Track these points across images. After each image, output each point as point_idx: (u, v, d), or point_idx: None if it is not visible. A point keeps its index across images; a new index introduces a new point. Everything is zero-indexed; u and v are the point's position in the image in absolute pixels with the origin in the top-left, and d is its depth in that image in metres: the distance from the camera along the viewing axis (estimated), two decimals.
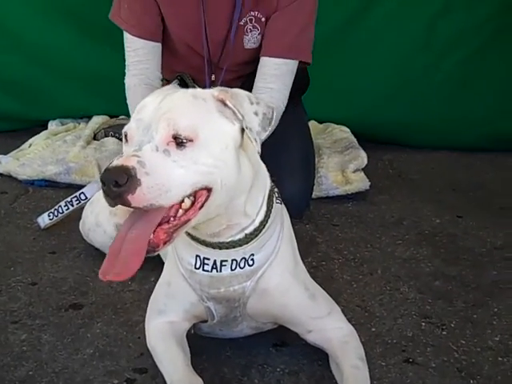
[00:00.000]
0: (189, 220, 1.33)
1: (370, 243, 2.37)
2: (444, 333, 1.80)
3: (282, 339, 1.74)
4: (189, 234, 1.49)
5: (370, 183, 2.80)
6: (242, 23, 2.36)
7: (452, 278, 2.11)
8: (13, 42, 3.38)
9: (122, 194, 1.22)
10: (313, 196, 2.65)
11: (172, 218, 1.32)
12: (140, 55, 2.39)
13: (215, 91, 1.39)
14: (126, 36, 2.40)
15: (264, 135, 1.38)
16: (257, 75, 2.36)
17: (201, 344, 1.70)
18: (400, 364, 1.66)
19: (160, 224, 1.30)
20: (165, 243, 1.32)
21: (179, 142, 1.29)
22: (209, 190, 1.33)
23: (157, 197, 1.24)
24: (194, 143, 1.30)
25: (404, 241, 2.39)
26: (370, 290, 2.04)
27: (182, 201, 1.31)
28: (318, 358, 1.65)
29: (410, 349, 1.72)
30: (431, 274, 2.14)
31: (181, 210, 1.32)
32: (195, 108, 1.35)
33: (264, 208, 1.50)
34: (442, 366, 1.65)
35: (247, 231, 1.47)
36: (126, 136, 1.36)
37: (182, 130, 1.29)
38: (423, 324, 1.84)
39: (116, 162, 1.25)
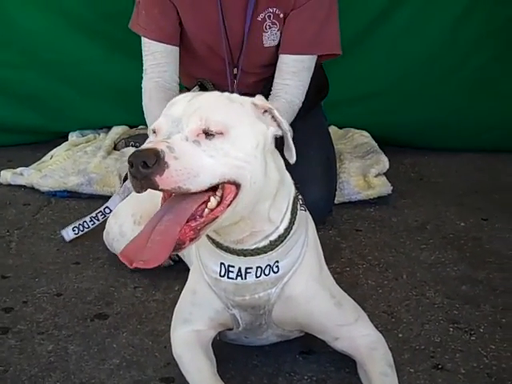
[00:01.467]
0: (216, 217, 1.32)
1: (395, 248, 2.35)
2: (473, 338, 1.78)
3: (308, 347, 1.73)
4: (213, 242, 1.49)
5: (392, 187, 2.78)
6: (259, 19, 2.36)
7: (479, 281, 2.09)
8: (33, 57, 3.40)
9: (149, 175, 1.22)
10: (335, 201, 2.63)
11: (198, 217, 1.31)
12: (158, 58, 2.39)
13: (257, 100, 1.43)
14: (144, 40, 2.41)
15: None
16: (276, 72, 2.37)
17: (227, 352, 1.69)
18: (429, 370, 1.64)
19: (187, 222, 1.30)
20: (191, 240, 1.31)
21: (209, 134, 1.30)
22: (237, 186, 1.33)
23: (185, 180, 1.24)
24: (224, 136, 1.31)
25: (428, 245, 2.37)
26: (396, 295, 2.02)
27: (208, 200, 1.31)
28: (346, 365, 1.64)
29: (439, 355, 1.70)
30: (458, 278, 2.12)
31: (207, 210, 1.31)
32: (229, 108, 1.37)
33: (288, 215, 1.49)
34: (471, 372, 1.63)
35: (272, 238, 1.46)
36: (153, 131, 1.37)
37: (214, 125, 1.30)
38: (451, 329, 1.82)
39: (145, 145, 1.26)
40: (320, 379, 1.61)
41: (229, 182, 1.32)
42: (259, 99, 1.44)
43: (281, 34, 2.39)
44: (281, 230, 1.47)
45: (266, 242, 1.46)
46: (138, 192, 1.27)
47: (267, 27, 2.38)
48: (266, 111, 1.43)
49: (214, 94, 1.42)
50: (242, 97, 1.44)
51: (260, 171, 1.36)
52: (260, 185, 1.37)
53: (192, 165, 1.26)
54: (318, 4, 2.31)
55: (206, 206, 1.31)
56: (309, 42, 2.34)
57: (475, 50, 3.30)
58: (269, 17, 2.36)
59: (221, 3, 2.32)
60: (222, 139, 1.31)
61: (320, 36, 2.36)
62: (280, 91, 2.37)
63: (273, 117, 1.43)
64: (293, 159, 1.47)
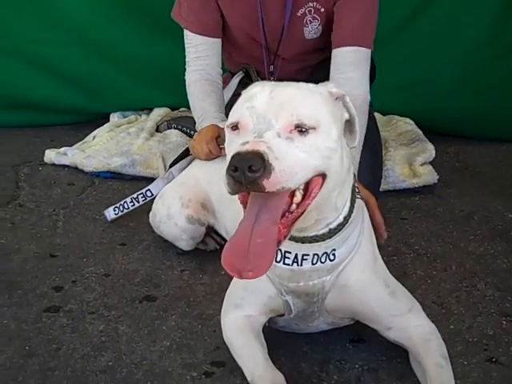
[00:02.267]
0: (304, 211, 1.32)
1: (442, 238, 2.32)
2: None
3: (358, 335, 1.72)
4: None
5: (438, 177, 2.74)
6: (299, 14, 2.33)
7: None
8: (75, 36, 3.40)
9: (257, 179, 1.20)
10: (380, 189, 2.60)
11: (287, 213, 1.30)
12: (200, 51, 2.39)
13: (330, 87, 1.42)
14: (186, 33, 2.40)
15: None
16: (331, 68, 2.30)
17: (277, 338, 1.69)
18: (483, 363, 1.62)
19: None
20: (285, 238, 1.30)
21: (302, 130, 1.28)
22: (323, 176, 1.32)
23: (288, 180, 1.23)
24: (316, 130, 1.30)
25: (476, 236, 2.33)
26: (446, 286, 1.99)
27: (294, 195, 1.29)
28: (397, 355, 1.62)
29: (492, 348, 1.68)
30: (508, 270, 2.08)
31: (294, 205, 1.30)
32: (314, 100, 1.35)
33: (348, 203, 1.48)
34: None
35: (332, 226, 1.45)
36: (235, 125, 1.34)
37: (307, 119, 1.29)
38: (504, 322, 1.79)
39: (245, 147, 1.22)
40: (371, 368, 1.60)
41: (318, 175, 1.31)
42: (332, 86, 1.42)
43: (322, 28, 2.36)
44: (341, 219, 1.46)
45: (325, 230, 1.45)
46: (235, 193, 1.25)
47: (308, 22, 2.34)
48: (337, 98, 1.42)
49: (293, 86, 1.37)
50: (316, 86, 1.41)
51: (341, 158, 1.36)
52: (340, 172, 1.37)
53: (291, 163, 1.24)
54: None
55: (292, 202, 1.30)
56: (356, 32, 2.27)
57: None
58: (309, 11, 2.33)
59: None
60: (316, 134, 1.29)
61: (366, 28, 2.29)
62: (346, 86, 2.17)
63: (343, 102, 1.43)
64: (355, 143, 1.47)
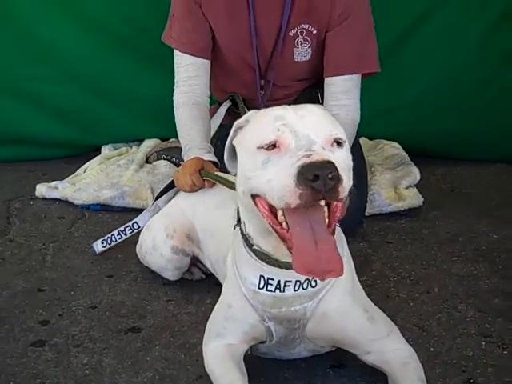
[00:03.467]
0: (339, 217, 1.40)
1: (426, 260, 2.34)
2: (505, 352, 1.76)
3: (339, 360, 1.74)
4: (258, 254, 1.51)
5: (423, 199, 2.77)
6: (291, 34, 2.38)
7: None
8: (66, 71, 3.45)
9: (335, 185, 1.25)
10: (366, 213, 2.64)
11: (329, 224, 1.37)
12: (189, 71, 2.42)
13: None
14: (176, 53, 2.45)
15: None
16: (325, 94, 2.39)
17: (259, 366, 1.71)
18: None
19: None
20: None
21: (338, 142, 1.36)
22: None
23: (347, 187, 1.30)
24: (344, 144, 1.38)
25: (460, 257, 2.35)
26: (428, 308, 2.01)
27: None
28: (377, 379, 1.63)
29: (471, 369, 1.69)
30: (490, 291, 2.10)
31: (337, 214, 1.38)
32: (335, 119, 1.45)
33: None
34: None
35: None
36: (273, 145, 1.36)
37: (341, 134, 1.38)
38: (483, 343, 1.81)
39: (315, 158, 1.27)
40: None
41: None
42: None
43: (312, 51, 2.41)
44: None
45: None
46: (309, 205, 1.28)
47: (298, 43, 2.40)
48: None
49: (312, 106, 1.44)
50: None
51: None
52: None
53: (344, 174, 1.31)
54: (355, 21, 2.32)
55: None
56: (353, 62, 2.35)
57: (507, 61, 3.28)
58: (301, 33, 2.38)
59: (254, 16, 2.35)
60: (344, 148, 1.38)
61: (362, 54, 2.37)
62: (340, 112, 2.35)
63: None
64: None
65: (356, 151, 2.64)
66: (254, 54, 2.43)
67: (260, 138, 1.38)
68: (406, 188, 2.84)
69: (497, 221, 2.67)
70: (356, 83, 2.39)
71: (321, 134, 1.35)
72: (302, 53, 2.42)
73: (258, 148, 1.38)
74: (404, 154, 3.25)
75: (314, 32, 2.37)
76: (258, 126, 1.43)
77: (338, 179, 1.25)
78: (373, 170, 3.05)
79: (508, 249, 2.40)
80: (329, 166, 1.24)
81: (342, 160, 1.35)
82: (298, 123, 1.36)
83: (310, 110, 1.41)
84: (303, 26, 2.37)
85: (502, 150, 3.37)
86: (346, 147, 1.39)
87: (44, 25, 3.39)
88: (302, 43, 2.40)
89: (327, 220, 1.36)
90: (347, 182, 1.31)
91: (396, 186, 2.85)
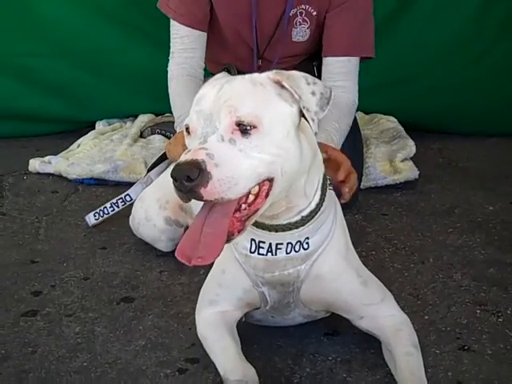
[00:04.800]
0: (258, 209, 1.34)
1: (421, 232, 2.33)
2: (500, 320, 1.76)
3: (333, 328, 1.73)
4: None
5: (419, 172, 2.75)
6: (291, 14, 2.35)
7: (507, 265, 2.06)
8: (59, 46, 3.42)
9: (194, 188, 1.23)
10: (361, 187, 2.62)
11: (242, 209, 1.32)
12: (186, 43, 2.39)
13: (271, 74, 1.38)
14: (173, 23, 2.40)
15: (322, 115, 1.37)
16: (323, 74, 2.35)
17: (251, 333, 1.70)
18: (455, 351, 1.62)
19: (233, 213, 1.31)
20: (239, 232, 1.33)
21: (243, 129, 1.28)
22: (270, 180, 1.32)
23: (226, 190, 1.24)
24: (258, 130, 1.29)
25: (456, 229, 2.34)
26: (422, 278, 2.00)
27: (247, 197, 1.31)
28: (370, 346, 1.63)
29: (465, 336, 1.69)
30: (485, 261, 2.09)
31: (244, 205, 1.32)
32: (255, 94, 1.33)
33: (319, 191, 1.49)
34: (498, 354, 1.61)
35: (304, 213, 1.47)
36: (187, 129, 1.37)
37: (244, 116, 1.28)
38: (478, 311, 1.80)
39: (185, 157, 1.25)
40: (344, 360, 1.61)
41: (263, 180, 1.31)
42: (274, 72, 1.39)
43: (310, 32, 2.38)
44: (312, 206, 1.48)
45: (298, 218, 1.47)
46: (185, 202, 1.29)
47: (297, 23, 2.36)
48: (282, 86, 1.36)
49: (238, 81, 1.37)
50: (261, 75, 1.39)
51: (293, 159, 1.34)
52: (293, 170, 1.36)
53: (232, 172, 1.25)
54: (356, 4, 2.29)
55: (246, 202, 1.32)
56: (351, 43, 2.33)
57: (502, 35, 3.26)
58: (300, 13, 2.34)
59: None
60: (257, 134, 1.29)
61: (360, 37, 2.35)
62: (337, 93, 2.26)
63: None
64: (315, 129, 1.38)
65: (352, 125, 2.63)
66: (253, 33, 2.39)
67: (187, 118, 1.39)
68: (402, 161, 2.83)
69: (492, 193, 2.66)
70: (354, 66, 2.36)
71: (223, 118, 1.28)
72: (301, 33, 2.39)
73: (184, 129, 1.39)
74: (400, 127, 3.23)
75: (314, 13, 2.34)
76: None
77: (201, 180, 1.22)
78: (368, 143, 3.03)
79: (503, 220, 2.39)
80: (187, 169, 1.22)
81: (245, 152, 1.27)
82: (210, 106, 1.31)
83: (229, 87, 1.33)
84: (303, 6, 2.33)
85: (497, 123, 3.36)
86: (261, 132, 1.29)
87: (36, 0, 3.35)
88: (300, 24, 2.37)
89: (245, 205, 1.32)
90: (231, 182, 1.24)
91: (391, 159, 2.84)
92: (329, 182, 1.57)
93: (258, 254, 1.50)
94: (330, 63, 2.35)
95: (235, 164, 1.26)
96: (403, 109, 3.38)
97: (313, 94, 1.36)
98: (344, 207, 1.70)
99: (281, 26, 2.37)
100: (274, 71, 1.39)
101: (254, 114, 1.29)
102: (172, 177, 1.24)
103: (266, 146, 1.29)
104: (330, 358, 1.62)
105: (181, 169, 1.23)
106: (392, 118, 3.34)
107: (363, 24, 2.34)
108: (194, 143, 1.31)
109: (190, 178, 1.22)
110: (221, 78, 1.44)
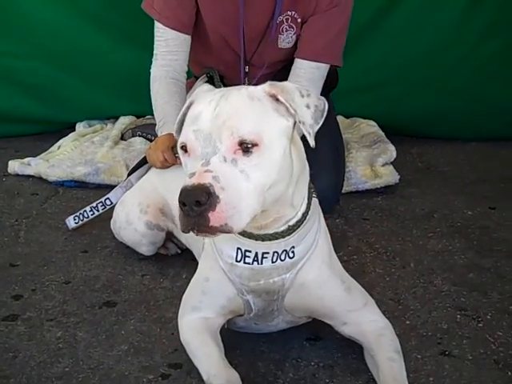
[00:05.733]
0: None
1: (402, 236, 2.35)
2: (480, 325, 1.78)
3: (315, 333, 1.74)
4: None
5: (399, 177, 2.77)
6: (278, 21, 2.34)
7: (486, 269, 2.09)
8: (39, 47, 3.39)
9: (203, 212, 1.22)
10: (342, 191, 2.63)
11: None
12: (170, 46, 2.37)
13: (266, 87, 1.37)
14: (158, 26, 2.37)
15: (316, 128, 1.37)
16: (290, 75, 2.36)
17: (234, 339, 1.70)
18: (436, 356, 1.64)
19: None
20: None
21: (245, 147, 1.28)
22: None
23: (232, 215, 1.24)
24: (259, 147, 1.29)
25: (436, 233, 2.37)
26: (403, 283, 2.02)
27: None
28: (353, 351, 1.65)
29: (446, 341, 1.71)
30: (465, 266, 2.12)
31: None
32: (253, 110, 1.33)
33: (306, 200, 1.50)
34: (478, 358, 1.63)
35: (290, 223, 1.47)
36: (183, 147, 1.35)
37: (247, 135, 1.28)
38: (458, 316, 1.82)
39: (192, 181, 1.24)
40: (327, 365, 1.62)
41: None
42: (268, 85, 1.38)
43: (297, 37, 2.39)
44: (299, 215, 1.48)
45: (284, 227, 1.47)
46: (187, 230, 1.27)
47: (283, 30, 2.36)
48: (277, 99, 1.36)
49: (235, 96, 1.34)
50: (256, 88, 1.38)
51: (286, 173, 1.35)
52: (285, 182, 1.37)
53: (236, 195, 1.25)
54: (338, 14, 2.31)
55: None
56: (324, 49, 2.34)
57: (485, 38, 3.29)
58: (286, 20, 2.34)
59: (245, 1, 2.30)
60: (258, 152, 1.29)
61: (334, 45, 2.36)
62: None
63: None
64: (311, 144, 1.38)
65: (333, 130, 2.65)
66: (241, 39, 2.38)
67: (181, 135, 1.37)
68: (382, 165, 2.85)
69: (471, 198, 2.69)
70: (322, 74, 2.38)
71: (225, 139, 1.27)
72: (287, 39, 2.39)
73: (179, 146, 1.37)
74: (380, 132, 3.25)
75: (299, 20, 2.34)
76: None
77: (210, 204, 1.22)
78: (349, 147, 3.05)
79: (482, 225, 2.42)
80: (197, 194, 1.21)
81: (246, 173, 1.27)
82: (208, 126, 1.30)
83: (227, 104, 1.32)
84: (289, 13, 2.33)
85: (476, 129, 3.40)
86: (261, 150, 1.29)
87: (17, 1, 3.32)
88: (287, 30, 2.37)
89: None
90: (236, 202, 1.24)
91: (372, 164, 2.86)
92: (312, 190, 1.58)
93: (244, 262, 1.50)
94: (300, 66, 2.36)
95: (237, 188, 1.26)
96: (383, 113, 3.40)
97: (307, 106, 1.36)
98: (325, 211, 1.71)
99: (268, 33, 2.37)
100: (268, 83, 1.38)
101: (255, 131, 1.29)
102: (180, 202, 1.23)
103: (265, 163, 1.29)
104: (312, 364, 1.63)
105: (189, 194, 1.22)
106: (372, 123, 3.36)
107: (338, 34, 2.36)
108: (195, 164, 1.29)
109: (199, 203, 1.21)
110: (209, 90, 1.42)
